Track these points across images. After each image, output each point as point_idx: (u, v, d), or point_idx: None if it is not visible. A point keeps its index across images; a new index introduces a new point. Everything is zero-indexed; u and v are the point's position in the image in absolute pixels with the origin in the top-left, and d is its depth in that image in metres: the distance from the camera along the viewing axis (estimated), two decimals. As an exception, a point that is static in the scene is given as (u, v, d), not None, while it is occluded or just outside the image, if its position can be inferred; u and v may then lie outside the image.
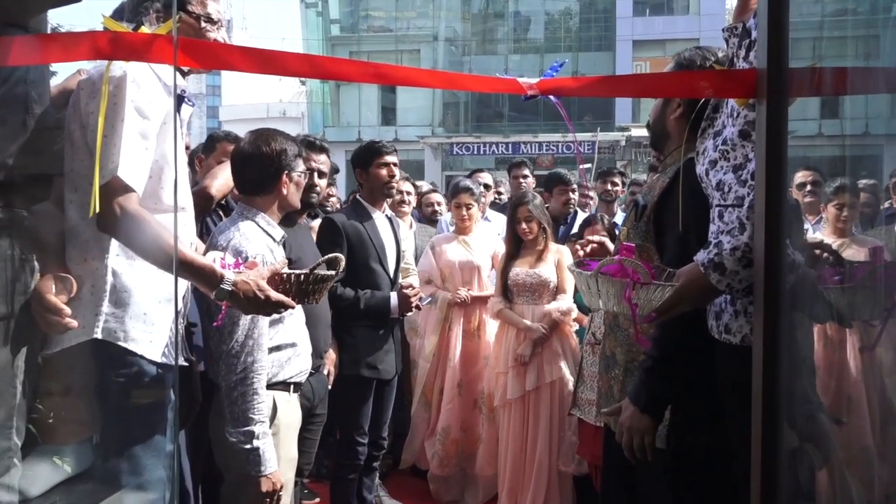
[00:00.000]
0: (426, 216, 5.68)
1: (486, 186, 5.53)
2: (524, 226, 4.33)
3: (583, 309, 4.36)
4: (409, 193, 4.91)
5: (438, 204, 5.69)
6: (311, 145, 3.34)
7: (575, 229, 5.26)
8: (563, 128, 24.32)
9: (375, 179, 3.71)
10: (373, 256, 3.65)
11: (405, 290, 3.68)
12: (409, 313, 3.84)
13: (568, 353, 4.31)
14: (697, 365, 2.10)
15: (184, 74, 2.13)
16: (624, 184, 6.16)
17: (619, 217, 5.64)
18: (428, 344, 4.61)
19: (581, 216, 5.36)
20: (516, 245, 4.40)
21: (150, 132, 1.93)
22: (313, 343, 2.79)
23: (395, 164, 3.74)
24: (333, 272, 2.16)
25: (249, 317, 2.29)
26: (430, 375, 4.59)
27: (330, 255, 2.22)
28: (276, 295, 2.01)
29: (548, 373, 4.22)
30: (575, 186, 5.32)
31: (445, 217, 5.67)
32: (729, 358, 1.97)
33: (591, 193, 6.36)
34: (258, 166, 2.45)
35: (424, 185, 6.73)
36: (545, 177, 5.78)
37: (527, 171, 6.07)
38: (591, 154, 23.10)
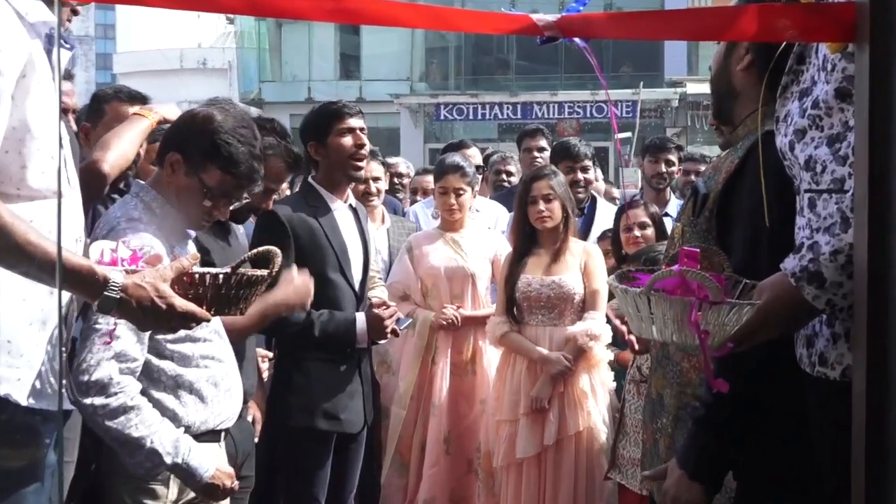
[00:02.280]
0: (415, 200, 5.73)
1: (477, 167, 5.64)
2: (542, 207, 4.40)
3: (620, 343, 4.40)
4: (376, 179, 4.99)
5: (425, 192, 5.78)
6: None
7: (598, 224, 5.31)
8: (593, 83, 24.42)
9: (336, 154, 3.76)
10: (331, 263, 3.70)
11: (376, 310, 3.74)
12: (382, 341, 3.91)
13: (600, 394, 4.37)
14: (778, 413, 2.13)
15: (62, 5, 2.17)
16: (680, 160, 6.25)
17: (674, 207, 5.77)
18: (404, 383, 4.70)
19: (605, 207, 5.48)
20: (527, 241, 4.48)
21: (1, 88, 1.88)
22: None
23: (362, 131, 3.80)
24: (265, 272, 2.19)
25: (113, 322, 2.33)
26: (406, 427, 4.66)
27: (261, 249, 2.27)
28: (183, 303, 2.03)
29: (573, 421, 4.29)
30: (588, 163, 5.39)
31: (421, 208, 5.77)
32: (825, 399, 1.98)
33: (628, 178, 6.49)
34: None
35: (401, 164, 6.80)
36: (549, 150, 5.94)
37: (544, 143, 6.18)
38: (632, 119, 23.19)
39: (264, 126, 3.44)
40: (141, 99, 3.55)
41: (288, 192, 4.71)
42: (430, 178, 6.08)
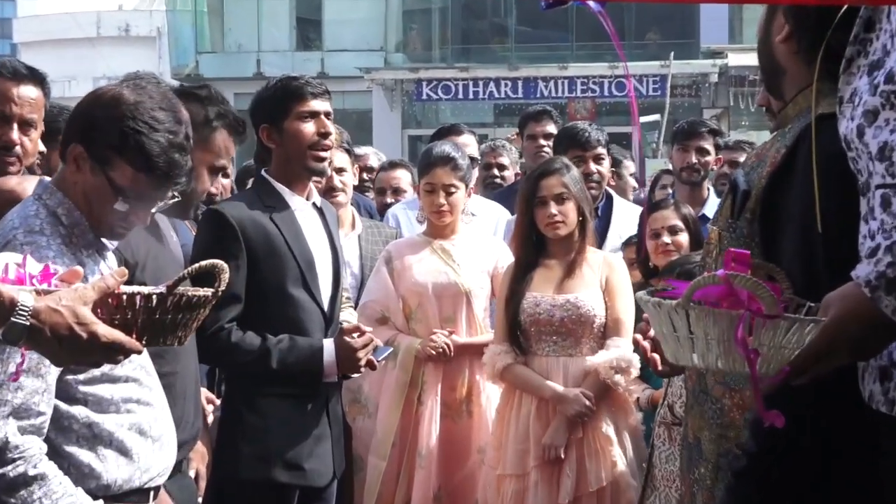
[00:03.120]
0: (384, 203, 5.77)
1: (473, 159, 5.59)
2: (553, 210, 4.44)
3: (650, 377, 4.42)
4: (340, 171, 5.03)
5: (396, 191, 5.88)
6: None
7: (616, 228, 5.36)
8: (612, 53, 24.49)
9: (293, 142, 3.83)
10: (293, 276, 3.76)
11: (348, 338, 3.78)
12: (355, 375, 3.94)
13: (628, 440, 4.39)
14: (841, 464, 2.14)
15: None
16: (719, 148, 6.31)
17: (712, 207, 5.74)
18: (384, 428, 4.66)
19: (623, 207, 5.53)
20: (533, 251, 4.52)
21: None
22: (174, 421, 2.87)
23: (328, 116, 3.88)
24: (210, 291, 2.21)
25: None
26: (387, 482, 4.63)
27: (204, 263, 2.27)
28: (108, 331, 2.03)
29: (594, 474, 4.30)
30: (601, 151, 5.45)
31: (402, 209, 5.79)
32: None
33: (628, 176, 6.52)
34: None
35: (371, 155, 6.84)
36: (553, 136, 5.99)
37: (552, 128, 6.25)
38: (660, 98, 23.31)
39: (197, 94, 3.46)
40: (36, 78, 3.49)
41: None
42: (398, 174, 6.15)
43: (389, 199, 6.06)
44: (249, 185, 4.21)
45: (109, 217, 2.60)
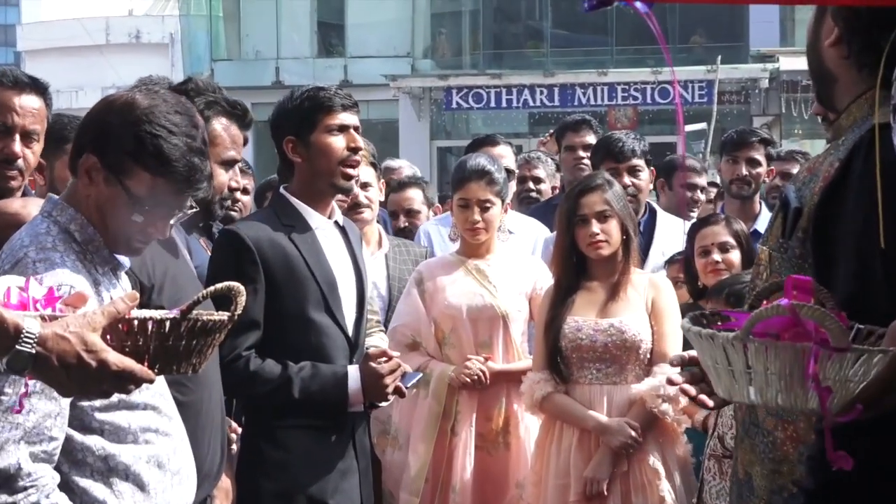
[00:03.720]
0: (398, 228, 5.80)
1: (509, 172, 5.64)
2: (595, 229, 4.45)
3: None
4: (366, 186, 5.02)
5: (409, 213, 5.91)
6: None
7: (658, 244, 5.37)
8: (655, 58, 24.48)
9: (322, 158, 3.84)
10: (314, 300, 3.78)
11: (373, 364, 3.78)
12: (384, 404, 3.94)
13: (675, 473, 4.38)
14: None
15: None
16: (771, 159, 6.31)
17: (765, 222, 5.75)
18: (416, 461, 4.66)
19: (666, 220, 5.55)
20: (574, 272, 4.53)
21: None
22: (195, 457, 2.87)
23: (357, 129, 3.90)
24: (225, 315, 2.22)
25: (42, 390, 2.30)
26: (419, 519, 4.62)
27: (220, 285, 2.27)
28: (118, 359, 2.03)
29: (640, 510, 4.27)
30: (639, 163, 5.45)
31: (434, 226, 5.82)
32: None
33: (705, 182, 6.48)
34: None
35: (403, 167, 6.85)
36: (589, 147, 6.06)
37: (591, 138, 6.24)
38: (707, 105, 23.23)
39: (182, 90, 3.39)
40: (38, 88, 3.51)
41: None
42: (410, 195, 6.11)
43: (403, 223, 6.09)
44: (267, 203, 4.18)
45: (126, 230, 2.60)
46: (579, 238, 4.48)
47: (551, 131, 7.88)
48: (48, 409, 2.36)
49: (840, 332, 1.87)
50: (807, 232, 2.31)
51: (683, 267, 4.90)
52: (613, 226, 4.46)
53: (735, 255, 4.76)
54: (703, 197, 6.75)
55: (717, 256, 4.75)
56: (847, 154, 2.23)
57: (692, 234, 4.89)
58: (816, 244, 2.28)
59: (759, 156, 6.09)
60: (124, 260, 2.69)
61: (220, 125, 3.55)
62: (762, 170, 6.10)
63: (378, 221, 5.30)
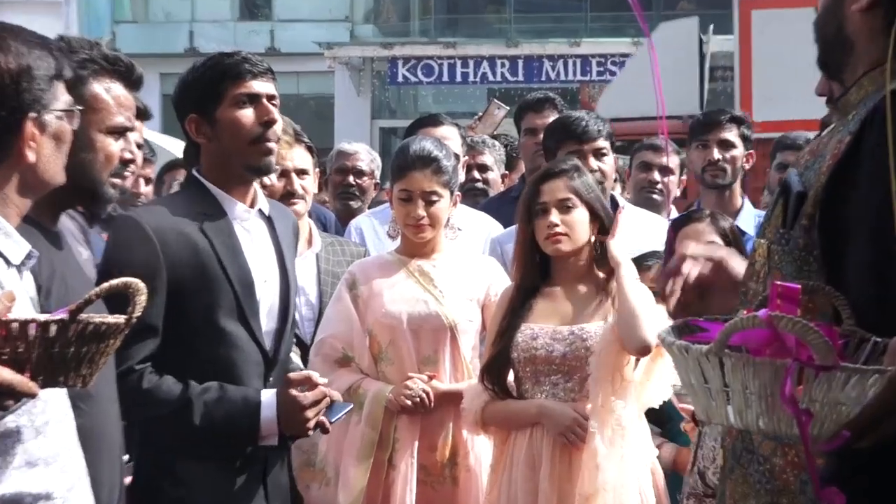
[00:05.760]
0: (342, 214, 5.68)
1: (458, 159, 5.45)
2: (554, 219, 4.27)
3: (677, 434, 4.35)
4: (302, 173, 4.89)
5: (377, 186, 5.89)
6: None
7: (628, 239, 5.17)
8: (634, 27, 23.99)
9: (229, 134, 3.67)
10: (225, 303, 3.60)
11: (294, 392, 3.59)
12: (305, 437, 3.77)
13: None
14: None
15: None
16: (747, 141, 6.08)
17: (749, 218, 5.74)
18: (346, 497, 4.40)
19: (631, 212, 5.28)
20: (537, 272, 4.36)
21: None
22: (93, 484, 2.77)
23: (272, 100, 3.71)
24: (122, 318, 2.22)
25: None
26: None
27: (114, 282, 2.26)
28: None
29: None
30: (603, 145, 5.25)
31: (367, 221, 5.65)
32: None
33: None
34: None
35: (362, 154, 6.71)
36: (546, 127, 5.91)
37: (555, 117, 5.94)
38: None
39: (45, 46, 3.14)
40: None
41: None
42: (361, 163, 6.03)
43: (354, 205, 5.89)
44: (175, 188, 4.16)
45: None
46: (537, 230, 4.30)
47: (479, 114, 7.68)
48: None
49: (825, 349, 1.87)
50: (812, 218, 2.29)
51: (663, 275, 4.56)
52: (578, 219, 4.25)
53: (722, 257, 4.56)
54: (674, 187, 6.53)
55: None
56: (858, 128, 2.24)
57: (672, 235, 4.63)
58: (824, 231, 2.27)
59: (733, 136, 5.89)
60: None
61: (101, 87, 3.29)
62: (738, 152, 5.89)
63: (310, 215, 5.15)
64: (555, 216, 4.23)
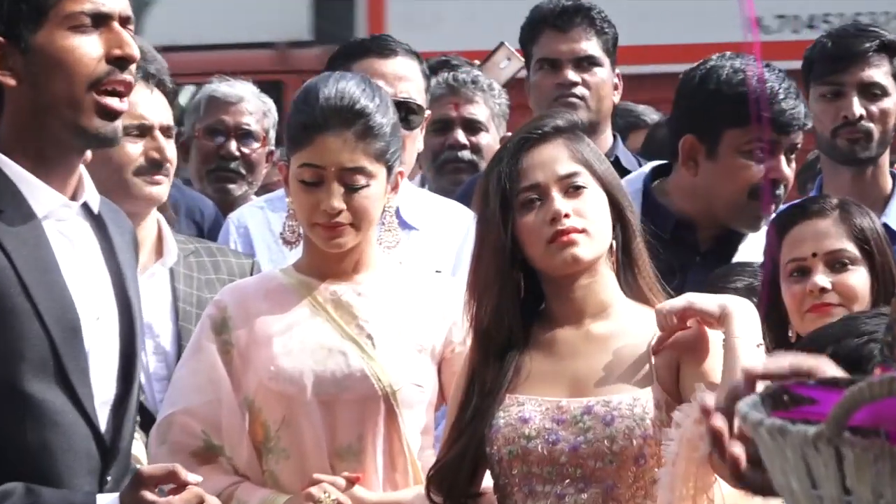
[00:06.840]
0: (216, 204, 5.27)
1: (412, 112, 4.35)
2: (557, 207, 3.41)
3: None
4: (169, 130, 4.21)
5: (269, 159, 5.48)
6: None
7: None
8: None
9: (55, 74, 3.22)
10: (34, 354, 3.04)
11: (148, 495, 3.06)
12: None
13: None
14: None
15: None
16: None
17: None
18: None
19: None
20: (519, 303, 3.48)
21: None
22: None
23: (124, 22, 3.19)
24: None
25: None
26: None
27: None
28: None
29: None
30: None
31: (250, 212, 4.84)
32: None
33: None
34: None
35: (250, 100, 5.74)
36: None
37: (591, 43, 5.01)
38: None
39: None
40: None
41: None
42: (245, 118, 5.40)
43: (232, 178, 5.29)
44: None
45: None
46: (522, 229, 3.29)
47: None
48: None
49: None
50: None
51: (762, 301, 3.63)
52: (592, 203, 3.25)
53: (857, 276, 3.65)
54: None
55: (823, 280, 3.61)
56: None
57: (776, 238, 3.75)
58: None
59: (883, 76, 4.42)
60: None
61: None
62: (891, 103, 4.42)
63: (173, 205, 4.57)
64: (558, 202, 3.16)
